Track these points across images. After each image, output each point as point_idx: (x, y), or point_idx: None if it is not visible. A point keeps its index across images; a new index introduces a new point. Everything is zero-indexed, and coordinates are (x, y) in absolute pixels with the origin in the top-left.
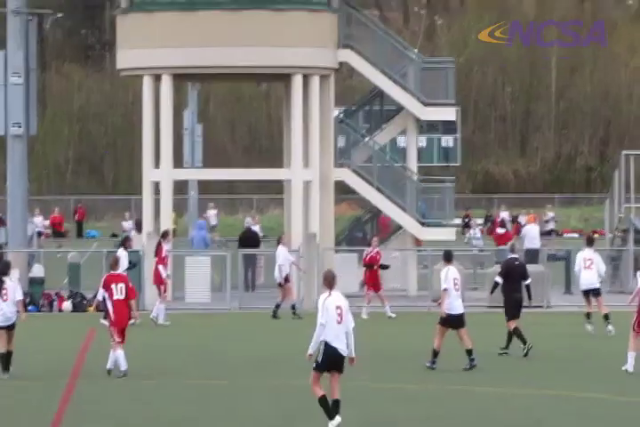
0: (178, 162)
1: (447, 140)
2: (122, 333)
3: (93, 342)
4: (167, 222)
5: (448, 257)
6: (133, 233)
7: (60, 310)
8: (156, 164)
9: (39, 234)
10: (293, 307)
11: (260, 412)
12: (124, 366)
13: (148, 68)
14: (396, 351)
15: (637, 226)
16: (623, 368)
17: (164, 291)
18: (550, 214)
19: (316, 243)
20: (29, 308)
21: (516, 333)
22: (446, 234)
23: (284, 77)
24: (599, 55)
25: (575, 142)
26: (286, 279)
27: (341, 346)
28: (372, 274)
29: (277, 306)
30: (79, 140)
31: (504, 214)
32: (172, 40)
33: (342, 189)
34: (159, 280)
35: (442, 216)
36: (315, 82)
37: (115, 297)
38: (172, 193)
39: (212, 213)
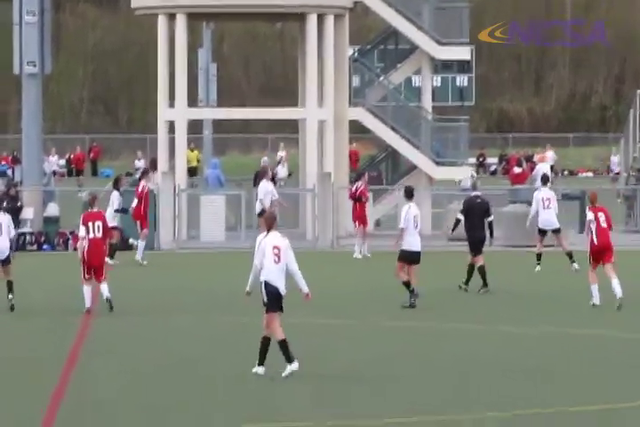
0: (192, 101)
1: (462, 80)
2: (94, 270)
3: (108, 279)
4: (182, 161)
5: (409, 194)
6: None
7: (75, 249)
8: (171, 103)
9: (54, 173)
10: None
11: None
12: (88, 303)
13: (163, 7)
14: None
15: None
16: (590, 303)
17: (143, 227)
18: (614, 159)
19: (330, 182)
20: (44, 246)
21: (480, 271)
22: (460, 173)
23: (298, 17)
24: None
25: (590, 81)
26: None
27: (280, 285)
28: (361, 208)
29: None
30: (93, 79)
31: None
32: None
33: (357, 129)
34: (138, 216)
35: (456, 155)
36: (329, 21)
37: (91, 235)
38: (186, 132)
39: (281, 156)
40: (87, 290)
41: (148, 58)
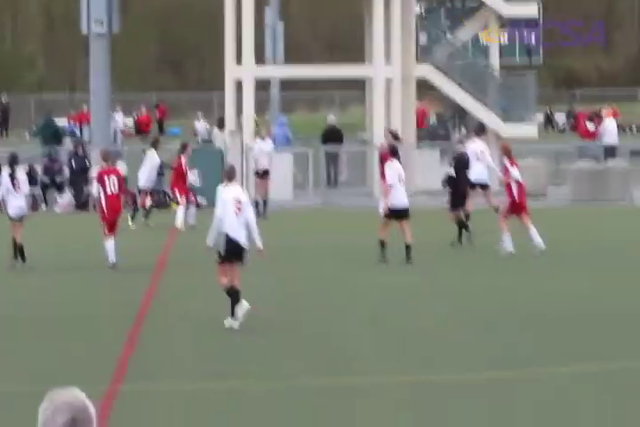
0: (259, 60)
1: (529, 36)
2: (112, 226)
3: (177, 238)
4: (249, 121)
5: (394, 151)
6: (216, 131)
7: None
8: (238, 61)
9: (122, 132)
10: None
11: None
12: (112, 258)
13: None
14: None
15: None
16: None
17: (184, 195)
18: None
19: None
20: None
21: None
22: (528, 130)
23: None
24: None
25: None
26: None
27: (241, 238)
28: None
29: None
30: (161, 38)
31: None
32: None
33: (422, 87)
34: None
35: (523, 112)
36: None
37: (107, 191)
38: (253, 90)
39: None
40: (111, 245)
41: (217, 17)
